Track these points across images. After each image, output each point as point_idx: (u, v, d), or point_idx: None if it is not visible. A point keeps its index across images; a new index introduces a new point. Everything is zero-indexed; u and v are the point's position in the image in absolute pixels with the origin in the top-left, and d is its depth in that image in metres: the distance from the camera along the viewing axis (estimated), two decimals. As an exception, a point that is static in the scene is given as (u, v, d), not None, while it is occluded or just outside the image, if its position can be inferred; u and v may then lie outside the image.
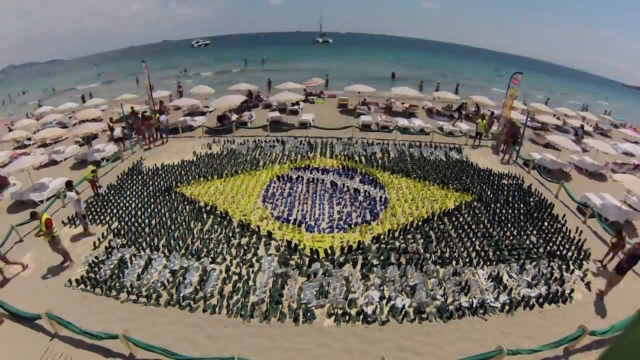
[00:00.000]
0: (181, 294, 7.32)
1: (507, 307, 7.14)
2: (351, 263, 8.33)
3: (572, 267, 8.42)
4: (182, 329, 6.61)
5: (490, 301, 7.25)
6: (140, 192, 11.81)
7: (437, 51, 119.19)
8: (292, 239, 9.15)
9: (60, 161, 15.41)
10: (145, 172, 13.36)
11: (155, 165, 14.07)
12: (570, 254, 8.93)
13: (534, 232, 9.83)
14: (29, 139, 18.33)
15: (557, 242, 9.34)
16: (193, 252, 8.71)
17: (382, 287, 7.55)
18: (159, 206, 10.90)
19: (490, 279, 7.87)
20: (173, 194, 11.69)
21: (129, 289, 7.46)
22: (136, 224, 9.91)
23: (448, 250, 8.93)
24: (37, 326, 6.60)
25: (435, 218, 10.29)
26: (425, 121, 20.63)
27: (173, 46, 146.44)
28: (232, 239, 9.24)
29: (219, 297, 7.29)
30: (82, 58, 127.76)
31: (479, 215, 10.63)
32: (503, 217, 10.49)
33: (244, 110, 21.53)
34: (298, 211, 10.62)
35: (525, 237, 9.58)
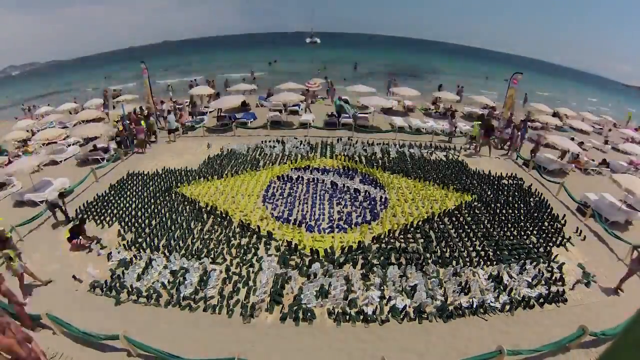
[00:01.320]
0: (181, 295, 7.33)
1: (507, 307, 7.15)
2: (351, 263, 8.34)
3: (568, 266, 8.42)
4: (182, 329, 6.62)
5: (491, 301, 7.25)
6: (140, 193, 11.82)
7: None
8: (292, 239, 9.16)
9: (61, 161, 15.42)
10: (145, 173, 13.37)
11: (156, 169, 14.08)
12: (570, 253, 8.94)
13: (534, 232, 9.83)
14: (28, 139, 18.34)
15: (557, 242, 9.34)
16: (193, 252, 8.71)
17: (382, 287, 7.55)
18: (159, 206, 10.91)
19: (491, 279, 7.87)
20: (173, 194, 11.70)
21: (129, 289, 7.46)
22: (136, 224, 9.91)
23: (448, 250, 8.93)
24: (39, 326, 6.60)
25: (435, 218, 10.30)
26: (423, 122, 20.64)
27: (172, 46, 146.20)
28: (232, 239, 9.24)
29: (219, 298, 7.29)
30: (80, 59, 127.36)
31: (479, 215, 10.63)
32: (503, 217, 10.50)
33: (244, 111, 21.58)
34: (298, 211, 10.62)
35: (525, 237, 9.58)
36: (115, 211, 10.67)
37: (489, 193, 12.11)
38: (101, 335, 6.03)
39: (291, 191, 11.83)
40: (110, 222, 10.14)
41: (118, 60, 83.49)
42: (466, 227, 9.94)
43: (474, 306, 7.10)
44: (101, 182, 12.89)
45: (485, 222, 10.26)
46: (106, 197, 11.51)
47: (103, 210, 10.68)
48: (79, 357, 6.07)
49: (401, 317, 6.87)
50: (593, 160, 15.72)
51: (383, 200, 11.34)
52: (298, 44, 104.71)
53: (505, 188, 12.50)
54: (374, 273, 7.96)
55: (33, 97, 39.97)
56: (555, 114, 23.04)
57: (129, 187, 12.27)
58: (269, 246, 8.94)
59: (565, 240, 9.40)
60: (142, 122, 17.04)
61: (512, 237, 9.53)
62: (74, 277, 7.80)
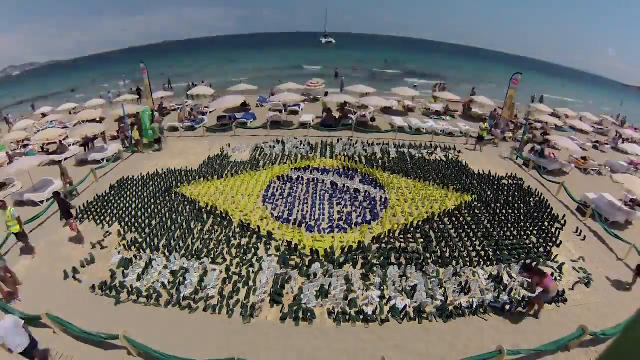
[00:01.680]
0: (181, 295, 7.32)
1: (507, 307, 7.15)
2: (351, 263, 8.33)
3: (568, 266, 8.42)
4: (182, 329, 6.62)
5: (491, 301, 7.25)
6: (140, 193, 11.82)
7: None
8: (292, 239, 9.15)
9: (60, 161, 15.39)
10: (145, 173, 13.36)
11: (157, 169, 14.07)
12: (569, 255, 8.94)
13: (534, 232, 9.83)
14: (28, 139, 18.34)
15: (558, 243, 9.34)
16: (193, 252, 8.71)
17: (382, 287, 7.55)
18: (159, 206, 10.91)
19: (491, 279, 7.87)
20: (173, 194, 11.69)
21: (129, 289, 7.46)
22: (136, 225, 9.91)
23: (448, 250, 8.93)
24: (39, 326, 6.59)
25: (435, 218, 10.29)
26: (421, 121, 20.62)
27: (171, 46, 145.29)
28: (233, 239, 9.24)
29: (219, 298, 7.29)
30: (79, 59, 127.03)
31: (479, 215, 10.62)
32: (503, 217, 10.49)
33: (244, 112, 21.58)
34: (298, 211, 10.62)
35: (525, 237, 9.58)
36: (115, 211, 10.67)
37: (489, 193, 12.11)
38: (101, 334, 6.03)
39: (291, 191, 11.83)
40: (111, 222, 10.14)
41: (118, 60, 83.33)
42: (466, 227, 9.94)
43: (474, 306, 7.09)
44: (101, 182, 12.89)
45: (485, 222, 10.26)
46: (106, 197, 11.51)
47: (103, 210, 10.68)
48: (79, 357, 6.08)
49: (401, 317, 6.87)
50: (594, 160, 15.72)
51: (383, 200, 11.34)
52: (310, 45, 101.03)
53: (505, 188, 12.50)
54: (374, 273, 7.96)
55: (12, 104, 38.88)
56: (554, 114, 23.07)
57: (129, 187, 12.27)
58: (269, 246, 8.93)
59: (560, 241, 9.40)
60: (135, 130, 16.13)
61: (512, 237, 9.53)
62: (74, 277, 7.81)
